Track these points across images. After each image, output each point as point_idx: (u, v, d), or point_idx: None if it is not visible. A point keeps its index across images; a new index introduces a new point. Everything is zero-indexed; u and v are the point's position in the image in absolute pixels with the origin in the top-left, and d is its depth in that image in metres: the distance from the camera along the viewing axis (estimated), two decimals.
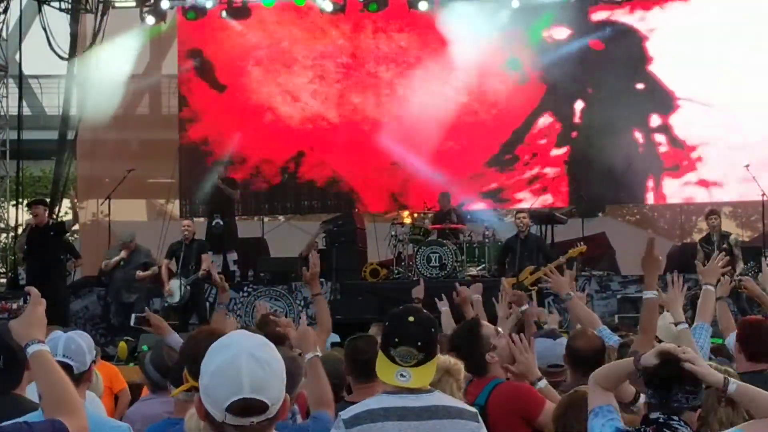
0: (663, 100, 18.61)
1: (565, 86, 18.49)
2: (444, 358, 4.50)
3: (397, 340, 4.02)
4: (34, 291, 3.36)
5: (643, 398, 4.50)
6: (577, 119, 18.89)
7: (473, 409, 4.19)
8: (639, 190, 18.89)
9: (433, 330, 4.14)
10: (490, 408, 4.99)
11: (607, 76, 18.25)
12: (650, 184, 18.78)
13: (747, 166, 16.09)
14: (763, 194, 15.73)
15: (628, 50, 18.63)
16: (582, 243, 14.43)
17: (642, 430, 3.75)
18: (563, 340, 6.15)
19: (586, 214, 17.22)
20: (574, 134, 18.89)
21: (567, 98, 18.82)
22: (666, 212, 23.46)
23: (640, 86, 18.66)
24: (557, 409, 4.32)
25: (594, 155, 17.79)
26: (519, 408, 4.98)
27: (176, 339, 6.68)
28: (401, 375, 4.00)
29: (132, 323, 7.49)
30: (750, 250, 15.37)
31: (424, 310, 4.24)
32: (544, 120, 19.06)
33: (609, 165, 17.58)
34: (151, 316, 6.84)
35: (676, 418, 3.73)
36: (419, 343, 4.01)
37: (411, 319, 4.06)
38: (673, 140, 18.54)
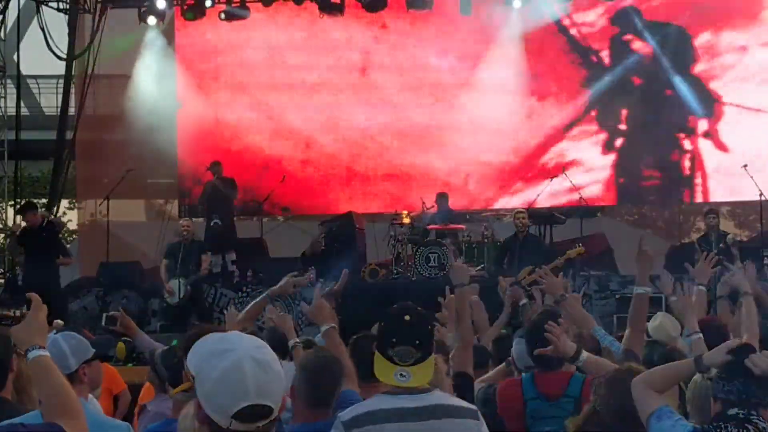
0: (707, 104, 18.53)
1: (609, 89, 18.53)
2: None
3: (394, 339, 4.01)
4: (35, 297, 3.38)
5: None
6: (620, 123, 18.89)
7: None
8: (680, 191, 18.97)
9: (429, 327, 4.14)
10: (585, 400, 4.99)
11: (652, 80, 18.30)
12: (697, 183, 18.74)
13: (745, 166, 16.08)
14: (761, 194, 15.71)
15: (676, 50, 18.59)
16: (580, 244, 14.39)
17: (722, 426, 3.66)
18: None
19: (585, 213, 17.20)
20: (618, 137, 18.89)
21: (612, 101, 18.87)
22: (664, 212, 23.47)
23: (684, 89, 18.61)
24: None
25: (638, 157, 17.87)
26: None
27: (146, 340, 6.69)
28: (401, 375, 3.98)
29: (102, 323, 7.44)
30: (748, 250, 15.37)
31: (419, 308, 4.21)
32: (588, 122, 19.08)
33: (651, 166, 17.75)
34: (120, 316, 6.84)
35: (755, 413, 3.64)
36: (417, 342, 4.00)
37: (407, 317, 4.05)
38: (717, 143, 18.50)
